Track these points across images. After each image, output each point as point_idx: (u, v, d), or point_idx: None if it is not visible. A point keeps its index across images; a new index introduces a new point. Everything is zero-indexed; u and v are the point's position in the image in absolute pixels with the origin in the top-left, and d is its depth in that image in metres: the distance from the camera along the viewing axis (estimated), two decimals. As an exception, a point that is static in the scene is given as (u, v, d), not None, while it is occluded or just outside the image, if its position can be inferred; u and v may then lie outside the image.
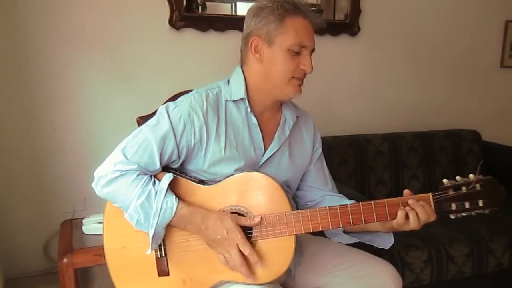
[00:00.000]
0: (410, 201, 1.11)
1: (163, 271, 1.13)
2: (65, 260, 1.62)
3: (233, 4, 2.51)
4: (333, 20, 2.51)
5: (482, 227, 2.00)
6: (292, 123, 1.28)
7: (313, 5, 2.59)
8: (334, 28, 2.47)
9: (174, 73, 2.19)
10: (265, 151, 1.23)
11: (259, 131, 1.22)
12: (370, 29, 2.52)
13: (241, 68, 1.23)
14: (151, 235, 1.07)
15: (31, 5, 1.93)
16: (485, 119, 2.81)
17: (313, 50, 1.19)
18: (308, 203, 1.35)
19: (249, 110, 1.21)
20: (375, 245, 1.26)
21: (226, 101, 1.20)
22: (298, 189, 1.37)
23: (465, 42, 2.73)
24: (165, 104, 1.18)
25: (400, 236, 1.86)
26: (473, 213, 1.12)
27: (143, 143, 1.12)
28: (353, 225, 1.11)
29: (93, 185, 1.14)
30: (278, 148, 1.25)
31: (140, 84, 2.14)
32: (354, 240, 1.25)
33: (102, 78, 2.09)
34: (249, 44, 1.17)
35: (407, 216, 1.11)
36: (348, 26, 2.49)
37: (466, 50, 2.74)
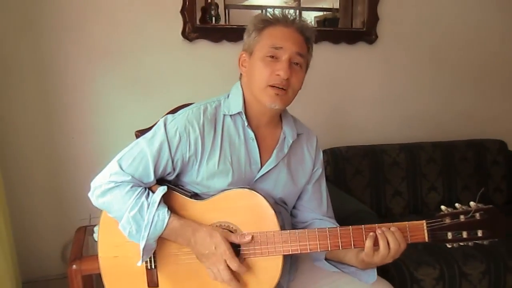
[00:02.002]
0: (383, 228, 1.07)
1: (153, 282, 1.16)
2: (74, 266, 1.67)
3: (264, 12, 2.46)
4: (349, 28, 2.48)
5: (500, 244, 1.91)
6: (291, 141, 1.27)
7: (328, 9, 2.53)
8: (350, 36, 2.44)
9: (187, 84, 2.22)
10: (261, 166, 1.23)
11: (256, 145, 1.22)
12: (388, 36, 2.47)
13: (240, 82, 1.26)
14: (142, 246, 1.09)
15: (52, 22, 2.01)
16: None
17: (301, 56, 1.17)
18: (298, 223, 1.34)
19: (246, 124, 1.21)
20: (357, 279, 1.22)
21: (224, 115, 1.22)
22: (293, 207, 1.36)
23: (489, 48, 2.64)
24: (163, 117, 1.21)
25: (410, 250, 1.83)
26: (470, 243, 1.08)
27: (139, 155, 1.15)
28: (342, 248, 1.09)
29: (89, 194, 1.17)
30: (276, 165, 1.24)
31: (154, 94, 2.18)
32: (334, 269, 1.23)
33: (118, 89, 2.15)
34: (238, 59, 1.23)
35: (376, 243, 1.07)
36: (365, 34, 2.45)
37: (490, 56, 2.64)
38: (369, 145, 2.36)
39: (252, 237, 1.10)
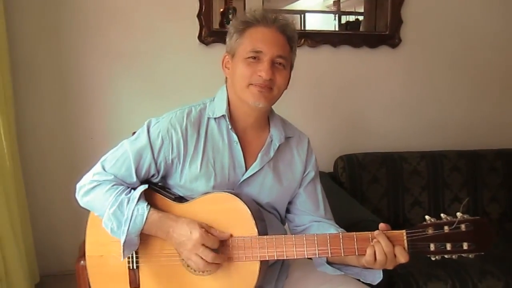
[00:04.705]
0: (376, 232, 1.02)
1: (134, 283, 1.17)
2: (81, 262, 1.73)
3: (302, 16, 2.46)
4: (371, 32, 2.41)
5: (522, 260, 1.80)
6: (278, 145, 1.25)
7: (351, 12, 2.49)
8: (372, 40, 2.38)
9: (203, 87, 2.21)
10: (246, 169, 1.22)
11: (240, 148, 1.21)
12: (412, 40, 2.39)
13: (226, 85, 1.26)
14: (122, 241, 1.10)
15: (71, 26, 2.10)
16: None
17: (282, 58, 1.15)
18: (296, 228, 1.31)
19: (229, 127, 1.21)
20: (361, 279, 1.18)
21: (208, 118, 1.22)
22: (288, 211, 1.33)
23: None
24: (148, 120, 1.23)
25: (421, 263, 1.76)
26: (454, 256, 1.01)
27: (122, 156, 1.17)
28: (319, 256, 1.06)
29: (76, 195, 1.21)
30: (261, 168, 1.23)
31: (170, 97, 2.22)
32: (338, 272, 1.18)
33: (134, 91, 2.21)
34: (222, 61, 1.23)
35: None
36: (388, 38, 2.38)
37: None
38: (388, 152, 2.28)
39: (231, 235, 1.09)
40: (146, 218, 1.10)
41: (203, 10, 2.16)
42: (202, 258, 1.05)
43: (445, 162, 2.28)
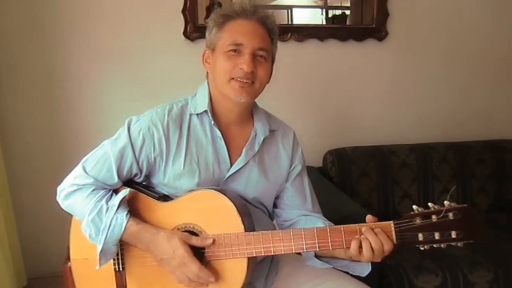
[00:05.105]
0: (363, 228, 1.01)
1: (120, 285, 1.15)
2: (68, 264, 1.70)
3: (289, 11, 2.45)
4: (357, 25, 2.40)
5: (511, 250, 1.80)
6: (262, 138, 1.23)
7: (338, 7, 2.49)
8: (358, 33, 2.36)
9: (190, 83, 2.17)
10: (231, 165, 1.20)
11: (224, 144, 1.19)
12: (399, 33, 2.37)
13: (207, 81, 1.24)
14: (98, 250, 1.08)
15: (56, 24, 2.06)
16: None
17: (263, 50, 1.13)
18: (284, 222, 1.30)
19: (212, 122, 1.19)
20: (350, 272, 1.17)
21: (190, 114, 1.20)
22: (275, 206, 1.32)
23: (507, 43, 2.48)
24: (129, 118, 1.20)
25: (410, 255, 1.75)
26: (443, 245, 1.00)
27: (102, 157, 1.15)
28: (307, 251, 1.05)
29: (57, 198, 1.18)
30: (246, 163, 1.21)
31: (157, 94, 2.18)
32: (326, 265, 1.17)
33: (120, 89, 2.17)
34: (202, 57, 1.21)
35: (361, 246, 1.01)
36: (374, 31, 2.37)
37: (509, 52, 2.49)
38: (377, 146, 2.28)
39: (214, 240, 1.07)
40: (125, 229, 1.08)
41: (188, 6, 2.13)
42: (186, 276, 1.06)
43: (433, 154, 2.28)
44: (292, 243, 1.04)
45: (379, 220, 1.04)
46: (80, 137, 2.16)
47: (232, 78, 1.12)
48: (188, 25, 2.15)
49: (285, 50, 2.27)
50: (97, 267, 1.09)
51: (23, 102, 2.10)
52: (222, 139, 1.19)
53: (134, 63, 2.17)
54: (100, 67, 2.14)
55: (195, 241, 1.08)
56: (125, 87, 2.18)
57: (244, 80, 1.12)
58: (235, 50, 1.12)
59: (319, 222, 1.23)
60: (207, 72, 1.24)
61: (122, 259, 1.15)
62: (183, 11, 2.14)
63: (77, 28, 2.08)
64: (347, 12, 2.43)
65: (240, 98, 1.13)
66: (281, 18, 2.46)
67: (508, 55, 2.51)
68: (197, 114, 1.20)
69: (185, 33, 2.17)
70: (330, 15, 2.49)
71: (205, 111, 1.19)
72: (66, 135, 2.15)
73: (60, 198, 1.17)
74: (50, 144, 2.15)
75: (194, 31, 2.16)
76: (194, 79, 2.18)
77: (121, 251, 1.14)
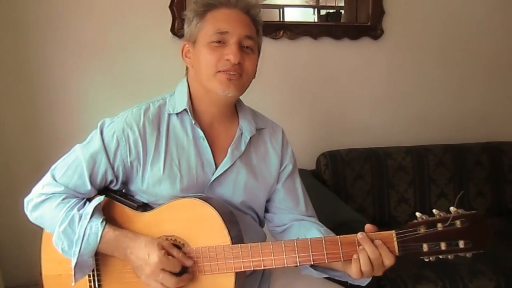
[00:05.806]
0: (360, 238, 0.92)
1: (97, 303, 1.05)
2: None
3: (281, 10, 2.44)
4: (352, 23, 2.32)
5: (513, 258, 1.73)
6: (249, 137, 1.14)
7: (331, 7, 2.45)
8: (353, 31, 2.28)
9: (177, 81, 2.11)
10: (216, 167, 1.11)
11: (207, 145, 1.10)
12: (395, 31, 2.31)
13: (187, 78, 1.14)
14: (73, 264, 0.98)
15: (37, 19, 1.96)
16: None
17: (250, 39, 1.05)
18: (276, 228, 1.21)
19: (193, 122, 1.09)
20: (349, 282, 1.08)
21: (169, 114, 1.10)
22: (267, 210, 1.22)
23: (504, 43, 2.43)
24: (102, 120, 1.11)
25: (409, 264, 1.67)
26: (450, 256, 0.91)
27: (73, 163, 1.05)
28: (300, 265, 0.96)
29: (24, 210, 1.08)
30: (232, 165, 1.11)
31: (143, 93, 2.05)
32: (323, 275, 1.08)
33: (105, 87, 2.07)
34: (181, 51, 1.11)
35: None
36: (370, 29, 2.29)
37: (506, 51, 2.43)
38: (372, 148, 2.20)
39: (194, 262, 0.98)
40: (101, 237, 0.98)
41: (176, 1, 2.04)
42: (162, 284, 0.94)
43: (430, 157, 2.21)
44: (284, 257, 0.95)
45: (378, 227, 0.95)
46: (62, 138, 2.05)
47: (219, 71, 1.03)
48: (175, 21, 2.07)
49: (277, 48, 2.20)
50: (73, 284, 0.99)
51: (2, 101, 1.99)
52: (205, 139, 1.10)
53: (119, 60, 2.07)
54: (83, 64, 2.04)
55: (176, 254, 0.97)
56: (111, 86, 2.08)
57: (232, 72, 1.02)
58: (219, 41, 1.03)
59: (314, 228, 1.13)
60: (187, 68, 1.14)
61: (98, 275, 1.05)
62: (171, 6, 2.06)
63: (60, 24, 1.99)
64: (341, 11, 2.38)
65: (227, 92, 1.03)
66: (273, 17, 2.43)
67: (505, 55, 2.45)
68: (177, 114, 1.10)
69: (172, 30, 2.08)
70: (323, 13, 2.43)
71: (185, 110, 1.09)
72: (47, 136, 2.05)
73: (28, 210, 1.08)
74: (30, 145, 2.05)
75: (182, 27, 2.06)
76: (183, 77, 2.13)
77: (97, 266, 1.04)
